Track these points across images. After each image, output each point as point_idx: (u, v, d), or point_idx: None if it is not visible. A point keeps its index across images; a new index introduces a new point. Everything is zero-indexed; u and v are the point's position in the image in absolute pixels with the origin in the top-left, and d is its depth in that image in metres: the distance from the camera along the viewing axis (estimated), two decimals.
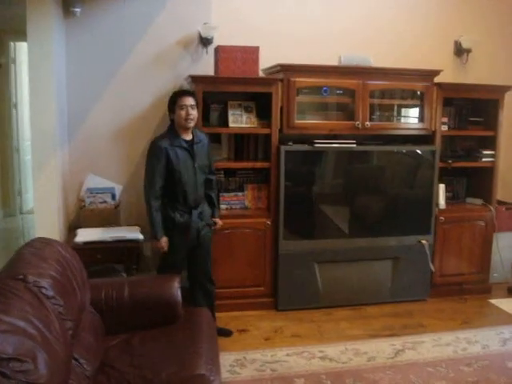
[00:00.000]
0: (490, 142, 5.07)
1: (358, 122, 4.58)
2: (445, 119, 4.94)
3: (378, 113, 4.85)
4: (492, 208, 5.07)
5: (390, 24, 5.19)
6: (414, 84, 4.77)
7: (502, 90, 5.01)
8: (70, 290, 2.68)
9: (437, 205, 4.88)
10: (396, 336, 4.24)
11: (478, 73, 5.43)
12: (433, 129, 4.82)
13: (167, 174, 3.88)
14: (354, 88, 4.57)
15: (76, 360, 2.55)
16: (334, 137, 4.63)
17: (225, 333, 4.22)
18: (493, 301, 5.01)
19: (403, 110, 5.06)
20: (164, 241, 3.92)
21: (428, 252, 4.78)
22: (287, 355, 3.90)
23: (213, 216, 4.21)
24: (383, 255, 4.77)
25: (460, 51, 5.42)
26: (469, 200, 5.22)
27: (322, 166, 4.72)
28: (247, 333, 4.27)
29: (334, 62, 4.70)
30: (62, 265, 2.74)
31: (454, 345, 4.11)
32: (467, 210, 5.09)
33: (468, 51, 5.38)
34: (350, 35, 5.07)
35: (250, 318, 4.52)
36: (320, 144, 4.50)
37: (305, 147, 4.50)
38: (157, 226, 3.89)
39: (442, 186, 4.94)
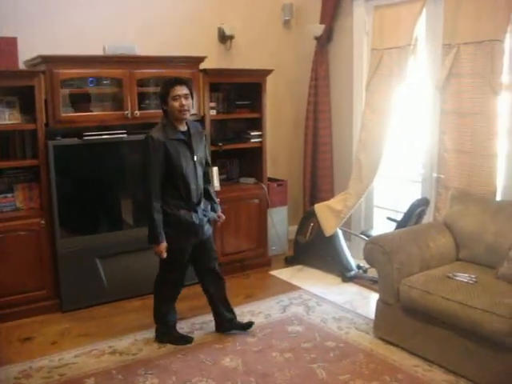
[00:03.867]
0: (257, 124, 5.33)
1: (127, 112, 4.53)
2: (213, 104, 5.09)
3: (148, 101, 4.84)
4: (264, 186, 5.37)
5: (155, 12, 5.19)
6: (181, 71, 4.82)
7: (263, 73, 5.29)
8: None
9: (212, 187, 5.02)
10: (184, 319, 4.31)
11: (241, 58, 5.68)
12: (202, 114, 4.95)
13: (167, 170, 3.63)
14: (121, 77, 4.51)
15: None
16: (107, 128, 4.53)
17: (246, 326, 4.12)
18: (273, 272, 5.33)
19: None
20: (164, 246, 3.68)
21: None
22: (75, 356, 3.78)
23: (214, 210, 4.05)
24: None
25: (224, 38, 5.61)
26: (242, 180, 5.47)
27: (99, 159, 4.58)
28: (32, 340, 4.05)
29: (99, 52, 4.59)
30: None
31: (240, 319, 4.25)
32: (242, 190, 5.33)
33: (231, 38, 5.59)
34: (115, 24, 4.97)
35: (34, 324, 4.29)
36: (89, 136, 4.37)
37: (74, 141, 4.35)
38: (158, 229, 3.64)
39: (215, 169, 5.07)
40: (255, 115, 5.33)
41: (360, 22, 5.35)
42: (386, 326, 3.89)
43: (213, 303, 4.07)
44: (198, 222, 3.77)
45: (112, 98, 4.70)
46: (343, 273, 5.06)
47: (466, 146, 4.40)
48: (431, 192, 4.75)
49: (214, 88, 5.11)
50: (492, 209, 3.99)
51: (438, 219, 4.47)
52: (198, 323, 4.26)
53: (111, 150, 4.60)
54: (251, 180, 5.41)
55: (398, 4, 4.84)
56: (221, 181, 5.21)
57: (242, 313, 4.40)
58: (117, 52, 4.57)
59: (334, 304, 4.56)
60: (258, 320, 4.27)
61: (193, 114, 4.83)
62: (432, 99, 4.69)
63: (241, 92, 5.42)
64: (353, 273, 5.07)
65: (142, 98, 4.73)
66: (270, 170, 5.64)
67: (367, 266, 4.71)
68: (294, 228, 5.66)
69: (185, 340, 3.98)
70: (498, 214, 3.92)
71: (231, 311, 4.10)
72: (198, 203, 3.81)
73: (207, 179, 4.00)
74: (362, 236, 4.91)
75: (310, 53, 5.81)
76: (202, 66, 4.94)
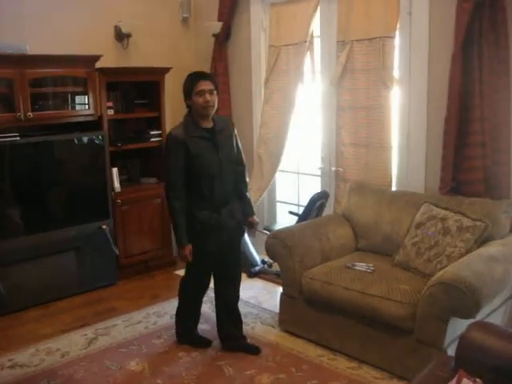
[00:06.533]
0: (157, 123, 5.28)
1: (19, 114, 4.33)
2: (110, 104, 4.98)
3: (43, 102, 4.66)
4: None
5: (49, 9, 4.94)
6: (76, 70, 4.72)
7: (161, 72, 5.26)
8: None
9: (113, 189, 4.94)
10: (88, 325, 4.21)
11: (139, 56, 5.56)
12: (99, 114, 4.83)
13: (190, 169, 3.42)
14: (11, 77, 4.31)
15: None
16: (1, 131, 4.31)
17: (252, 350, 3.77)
18: (178, 272, 5.24)
19: (74, 98, 4.94)
20: (189, 249, 3.46)
21: (110, 236, 4.82)
22: None
23: (246, 214, 3.76)
24: (65, 247, 4.66)
25: (120, 36, 5.46)
26: (144, 180, 5.39)
27: None
28: None
29: None
30: None
31: (145, 321, 4.26)
32: (143, 190, 5.26)
33: (128, 36, 5.46)
34: (5, 21, 4.70)
35: None
36: None
37: None
38: (180, 230, 3.45)
39: (115, 170, 4.98)
40: (154, 114, 5.27)
41: (257, 19, 5.38)
42: (290, 318, 3.95)
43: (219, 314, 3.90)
44: (221, 223, 3.54)
45: (3, 100, 4.48)
46: (248, 268, 5.08)
47: (362, 140, 4.55)
48: (331, 185, 4.87)
49: (111, 87, 5.00)
50: (387, 199, 4.14)
51: (338, 211, 4.59)
52: (103, 328, 4.16)
53: (6, 154, 4.37)
54: (152, 180, 5.35)
55: (294, 2, 4.92)
56: (121, 181, 5.11)
57: (148, 314, 4.36)
58: (6, 51, 4.36)
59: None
60: (163, 321, 4.25)
61: (89, 115, 4.76)
62: (328, 94, 4.79)
63: (139, 91, 5.34)
64: (258, 268, 5.11)
65: (35, 98, 4.54)
66: None
67: (271, 260, 4.76)
68: None
69: (204, 342, 3.86)
70: (392, 204, 4.08)
71: (240, 329, 3.89)
72: (224, 204, 3.56)
73: (241, 179, 3.77)
74: (265, 231, 4.95)
75: (208, 50, 5.78)
76: (99, 64, 4.81)
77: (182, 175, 3.43)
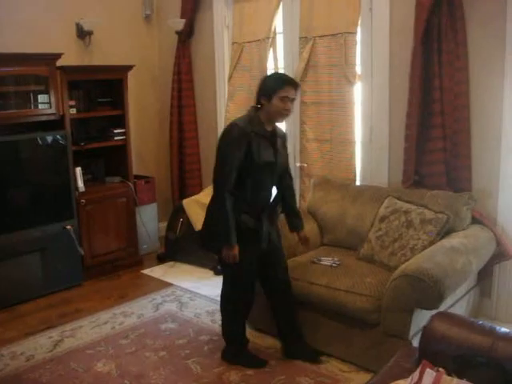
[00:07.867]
0: (121, 121, 5.23)
1: None
2: (72, 102, 4.91)
3: (2, 101, 4.55)
4: (130, 183, 5.28)
5: (7, 6, 4.85)
6: (37, 69, 4.62)
7: (124, 69, 5.21)
8: None
9: (76, 188, 4.87)
10: (54, 327, 4.13)
11: (102, 54, 5.52)
12: (61, 113, 4.75)
13: (243, 166, 3.19)
14: None
15: None
16: None
17: (312, 357, 3.55)
18: (145, 271, 5.26)
19: (36, 96, 4.81)
20: (237, 249, 3.22)
21: (74, 236, 4.75)
22: None
23: (298, 228, 3.66)
24: (29, 248, 4.56)
25: (82, 34, 5.40)
26: (108, 179, 5.32)
27: None
28: None
29: None
30: None
31: (112, 321, 4.20)
32: (107, 189, 5.20)
33: (90, 33, 5.40)
34: None
35: None
36: None
37: None
38: (231, 228, 3.17)
39: (78, 170, 4.91)
40: (118, 112, 5.21)
41: (220, 16, 5.38)
42: (258, 315, 3.93)
43: (279, 325, 3.68)
44: (260, 228, 3.34)
45: None
46: (215, 266, 5.07)
47: (326, 135, 4.59)
48: (295, 181, 4.87)
49: (73, 85, 4.93)
50: (352, 194, 4.17)
51: (303, 207, 4.61)
52: (69, 329, 4.09)
53: None
54: (117, 179, 5.29)
55: None
56: (86, 181, 5.03)
57: (115, 315, 4.30)
58: None
59: (206, 298, 4.57)
60: (130, 321, 4.20)
61: (51, 114, 4.68)
62: None
63: (102, 89, 5.28)
64: None
65: None
66: (137, 168, 5.55)
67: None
68: (165, 225, 5.59)
69: (258, 362, 3.55)
70: (357, 198, 4.11)
71: (300, 336, 3.65)
72: (263, 210, 3.38)
73: (292, 193, 3.66)
74: None
75: (172, 47, 5.76)
76: (61, 62, 4.73)
77: (236, 170, 3.21)
